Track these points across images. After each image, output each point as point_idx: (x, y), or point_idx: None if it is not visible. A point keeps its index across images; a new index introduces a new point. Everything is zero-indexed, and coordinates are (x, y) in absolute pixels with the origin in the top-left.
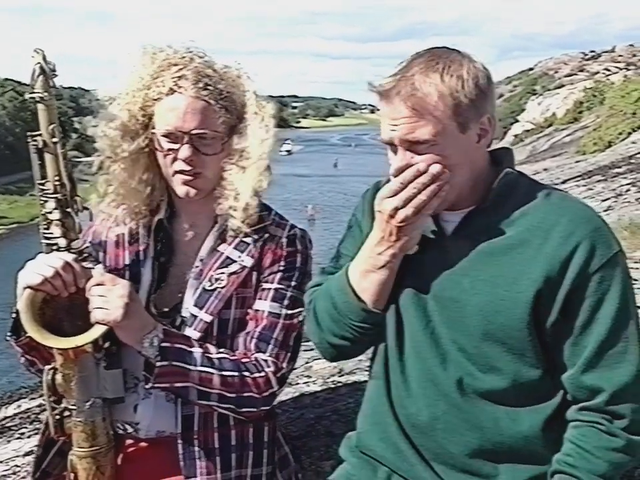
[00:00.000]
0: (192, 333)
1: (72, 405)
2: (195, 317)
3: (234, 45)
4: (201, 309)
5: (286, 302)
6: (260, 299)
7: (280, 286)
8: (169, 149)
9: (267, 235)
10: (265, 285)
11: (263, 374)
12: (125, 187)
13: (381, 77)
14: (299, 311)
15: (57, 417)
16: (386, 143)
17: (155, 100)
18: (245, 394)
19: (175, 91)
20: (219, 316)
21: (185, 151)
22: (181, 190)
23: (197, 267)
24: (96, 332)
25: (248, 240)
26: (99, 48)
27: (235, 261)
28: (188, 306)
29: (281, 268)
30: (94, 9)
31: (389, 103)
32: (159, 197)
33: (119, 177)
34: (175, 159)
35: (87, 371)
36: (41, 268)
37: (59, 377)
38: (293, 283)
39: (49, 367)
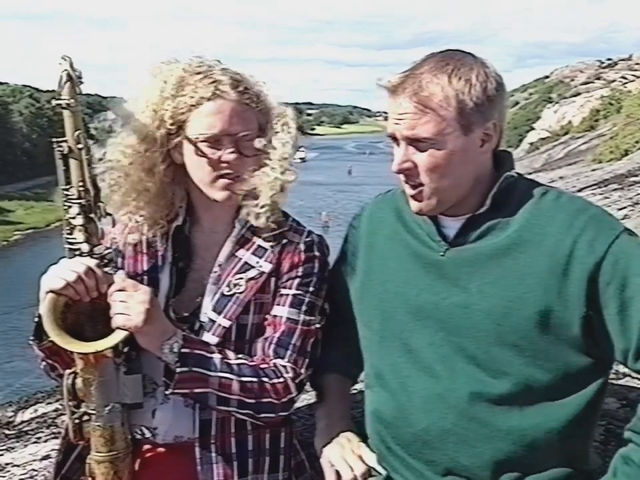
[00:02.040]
0: (210, 337)
1: (91, 410)
2: (214, 321)
3: (240, 52)
4: (219, 314)
5: (304, 308)
6: (278, 304)
7: (298, 292)
8: (210, 154)
9: (284, 241)
10: (283, 291)
11: (281, 380)
12: (145, 196)
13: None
14: (317, 317)
15: (76, 421)
16: (390, 136)
17: (193, 106)
18: (264, 400)
19: (218, 96)
20: (237, 321)
21: (231, 154)
22: (221, 195)
23: (215, 272)
24: (117, 337)
25: (266, 245)
26: (96, 53)
27: (253, 267)
28: (206, 311)
29: (299, 274)
30: (102, 15)
31: (395, 99)
32: (177, 205)
33: (139, 186)
34: (217, 163)
35: (107, 376)
36: (63, 272)
37: (79, 381)
38: (311, 289)
39: (69, 371)
